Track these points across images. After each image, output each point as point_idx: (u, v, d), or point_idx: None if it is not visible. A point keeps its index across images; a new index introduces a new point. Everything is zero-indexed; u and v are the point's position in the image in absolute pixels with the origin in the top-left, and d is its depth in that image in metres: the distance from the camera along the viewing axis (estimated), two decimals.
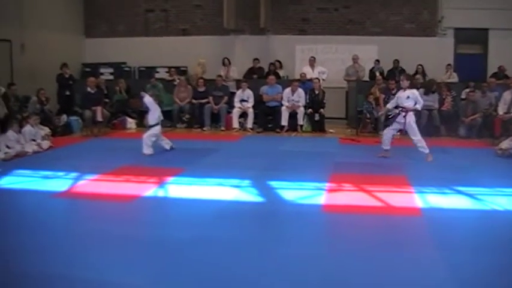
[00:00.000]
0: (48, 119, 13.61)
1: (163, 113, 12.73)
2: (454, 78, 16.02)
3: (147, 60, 18.27)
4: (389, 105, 10.87)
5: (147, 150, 10.87)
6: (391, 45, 17.04)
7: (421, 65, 16.04)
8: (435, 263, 5.09)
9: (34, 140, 11.41)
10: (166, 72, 17.46)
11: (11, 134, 10.76)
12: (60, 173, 9.16)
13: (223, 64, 16.73)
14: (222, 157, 11.06)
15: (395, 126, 10.60)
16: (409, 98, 10.40)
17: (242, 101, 15.41)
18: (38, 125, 12.07)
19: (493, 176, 8.99)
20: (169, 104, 15.30)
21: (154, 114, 11.14)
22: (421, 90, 14.41)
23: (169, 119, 14.90)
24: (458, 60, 17.20)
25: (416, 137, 10.42)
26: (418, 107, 10.54)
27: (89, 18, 19.34)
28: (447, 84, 15.00)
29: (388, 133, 10.71)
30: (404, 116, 10.35)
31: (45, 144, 11.65)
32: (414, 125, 10.44)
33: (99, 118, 14.10)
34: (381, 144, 10.94)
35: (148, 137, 10.96)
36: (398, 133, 10.92)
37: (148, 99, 11.20)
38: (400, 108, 10.47)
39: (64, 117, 14.68)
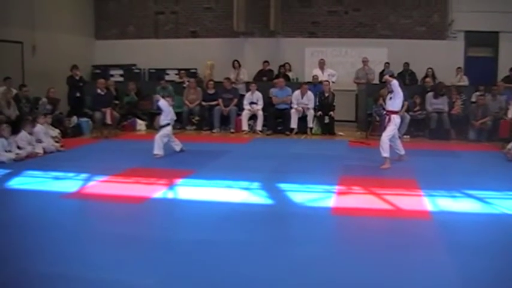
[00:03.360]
0: (58, 120, 13.66)
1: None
2: (465, 81, 15.95)
3: (157, 62, 18.30)
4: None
5: (158, 151, 10.90)
6: (401, 48, 17.01)
7: (431, 68, 15.97)
8: (444, 266, 5.07)
9: (40, 142, 11.45)
10: (176, 74, 17.49)
11: (23, 134, 10.82)
12: (70, 174, 9.21)
13: (234, 67, 16.75)
14: (232, 159, 11.07)
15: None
16: (391, 99, 10.16)
17: (251, 103, 15.43)
18: (49, 125, 12.12)
19: (503, 180, 8.96)
20: (179, 106, 15.32)
21: (168, 116, 11.20)
22: (431, 93, 14.41)
23: (179, 121, 14.90)
24: (469, 63, 17.13)
25: (385, 134, 10.14)
26: (399, 102, 10.15)
27: (99, 20, 19.42)
28: (457, 87, 14.95)
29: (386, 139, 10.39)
30: (389, 119, 10.21)
31: (56, 145, 11.74)
32: (393, 126, 10.17)
33: (108, 121, 14.15)
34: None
35: (160, 137, 11.00)
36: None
37: (163, 103, 11.25)
38: (385, 112, 10.41)
39: (74, 118, 14.74)
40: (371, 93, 15.26)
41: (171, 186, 8.49)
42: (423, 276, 4.86)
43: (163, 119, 11.22)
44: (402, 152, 10.58)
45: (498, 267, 5.07)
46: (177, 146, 11.37)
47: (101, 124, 14.24)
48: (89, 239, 5.89)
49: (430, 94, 14.41)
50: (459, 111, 14.25)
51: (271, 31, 17.91)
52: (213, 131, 15.35)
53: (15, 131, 10.85)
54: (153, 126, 15.52)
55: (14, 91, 13.11)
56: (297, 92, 15.22)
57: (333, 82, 15.92)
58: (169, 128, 11.19)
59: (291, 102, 15.22)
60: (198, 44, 18.40)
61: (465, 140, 13.88)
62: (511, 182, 8.81)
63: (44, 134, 11.47)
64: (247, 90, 15.88)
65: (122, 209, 7.33)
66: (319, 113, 15.08)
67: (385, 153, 10.09)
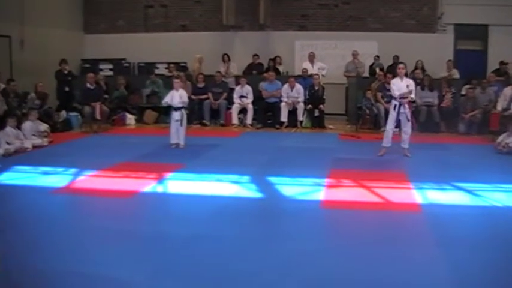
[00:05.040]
0: (47, 115, 13.59)
1: (163, 109, 12.80)
2: (455, 74, 15.96)
3: (146, 56, 18.20)
4: (396, 92, 10.38)
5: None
6: (391, 41, 16.98)
7: (420, 60, 16.00)
8: (434, 259, 5.08)
9: (34, 135, 11.45)
10: (166, 68, 17.44)
11: (9, 130, 10.75)
12: (60, 169, 9.17)
13: (223, 60, 16.71)
14: (222, 153, 11.06)
15: (397, 119, 10.49)
16: (408, 86, 10.34)
17: (241, 97, 15.41)
18: (36, 120, 12.05)
19: (493, 172, 8.99)
20: None
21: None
22: (418, 87, 14.40)
23: (168, 115, 14.89)
24: (458, 57, 17.17)
25: (411, 129, 10.49)
26: (413, 96, 10.60)
27: (88, 14, 19.30)
28: (447, 80, 14.97)
29: (391, 129, 10.62)
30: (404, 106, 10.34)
31: (45, 140, 11.69)
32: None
33: (98, 116, 14.06)
34: (381, 140, 10.87)
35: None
36: (397, 129, 10.76)
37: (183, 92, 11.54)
38: (403, 100, 10.38)
39: (63, 113, 14.67)
40: (361, 86, 15.29)
41: (160, 180, 8.47)
42: (413, 268, 4.88)
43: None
44: (389, 144, 10.64)
45: (488, 259, 5.09)
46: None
47: (91, 119, 14.15)
48: (79, 234, 5.86)
49: (418, 88, 14.41)
50: (449, 104, 14.29)
51: (261, 24, 17.87)
52: (204, 121, 15.37)
53: (3, 125, 10.78)
54: (142, 120, 15.55)
55: (2, 85, 13.02)
56: (286, 86, 15.22)
57: (322, 75, 15.91)
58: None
59: (280, 96, 15.22)
60: (187, 38, 18.31)
61: (455, 132, 13.91)
62: (500, 174, 8.86)
63: (30, 131, 11.43)
64: (237, 84, 15.85)
65: (111, 204, 7.31)
66: (309, 106, 15.08)
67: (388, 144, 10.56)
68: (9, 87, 13.13)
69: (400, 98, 10.32)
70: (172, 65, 17.08)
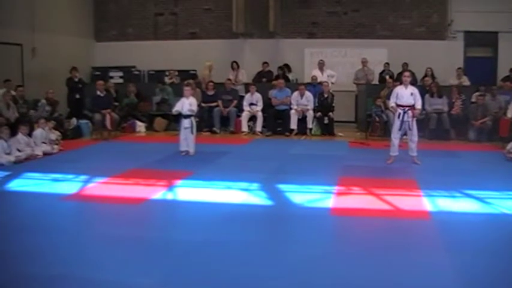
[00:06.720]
0: (58, 122, 13.67)
1: (173, 116, 12.83)
2: (466, 81, 15.91)
3: (156, 64, 18.30)
4: (392, 104, 10.56)
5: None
6: (401, 49, 16.99)
7: (430, 68, 15.96)
8: (444, 266, 5.07)
9: (45, 143, 11.51)
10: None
11: (20, 137, 10.81)
12: (70, 176, 9.19)
13: (232, 68, 16.74)
14: (231, 160, 11.06)
15: (402, 127, 10.43)
16: (413, 94, 10.30)
17: (251, 104, 15.44)
18: (52, 129, 12.14)
19: (503, 180, 8.95)
20: None
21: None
22: (427, 94, 14.36)
23: (178, 122, 14.93)
24: (468, 64, 17.13)
25: (417, 137, 10.46)
26: (419, 105, 10.47)
27: (99, 22, 19.45)
28: (457, 87, 14.92)
29: (396, 138, 10.58)
30: (410, 115, 10.26)
31: (55, 147, 11.75)
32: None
33: (108, 126, 14.12)
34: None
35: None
36: (406, 136, 10.72)
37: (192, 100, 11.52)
38: (407, 108, 10.33)
39: (74, 120, 14.74)
40: (370, 93, 15.28)
41: (170, 187, 8.48)
42: (422, 276, 4.85)
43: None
44: (396, 152, 10.61)
45: (498, 267, 5.06)
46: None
47: (101, 126, 14.23)
48: (89, 240, 5.89)
49: (427, 95, 14.39)
50: (459, 111, 14.25)
51: (271, 32, 17.89)
52: (214, 128, 15.41)
53: (14, 133, 10.84)
54: (152, 128, 15.60)
55: (13, 93, 13.08)
56: (296, 93, 15.24)
57: (332, 83, 15.93)
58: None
59: (290, 103, 15.24)
60: (197, 46, 18.39)
61: (465, 140, 13.87)
62: (510, 182, 8.81)
63: (41, 139, 11.49)
64: (246, 91, 15.89)
65: (121, 210, 7.32)
66: (319, 113, 15.09)
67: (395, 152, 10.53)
68: (16, 93, 13.19)
69: (398, 105, 10.35)
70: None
